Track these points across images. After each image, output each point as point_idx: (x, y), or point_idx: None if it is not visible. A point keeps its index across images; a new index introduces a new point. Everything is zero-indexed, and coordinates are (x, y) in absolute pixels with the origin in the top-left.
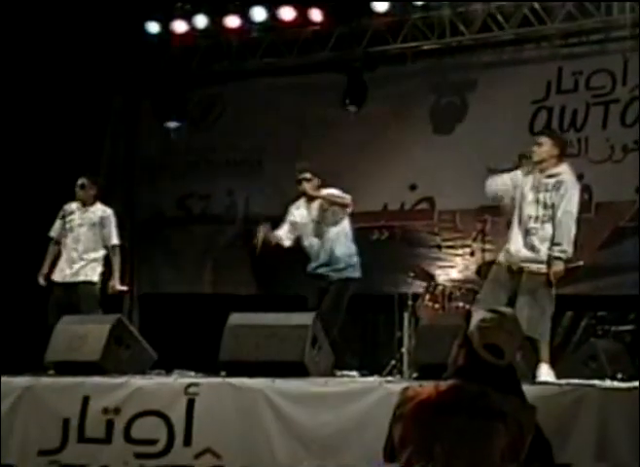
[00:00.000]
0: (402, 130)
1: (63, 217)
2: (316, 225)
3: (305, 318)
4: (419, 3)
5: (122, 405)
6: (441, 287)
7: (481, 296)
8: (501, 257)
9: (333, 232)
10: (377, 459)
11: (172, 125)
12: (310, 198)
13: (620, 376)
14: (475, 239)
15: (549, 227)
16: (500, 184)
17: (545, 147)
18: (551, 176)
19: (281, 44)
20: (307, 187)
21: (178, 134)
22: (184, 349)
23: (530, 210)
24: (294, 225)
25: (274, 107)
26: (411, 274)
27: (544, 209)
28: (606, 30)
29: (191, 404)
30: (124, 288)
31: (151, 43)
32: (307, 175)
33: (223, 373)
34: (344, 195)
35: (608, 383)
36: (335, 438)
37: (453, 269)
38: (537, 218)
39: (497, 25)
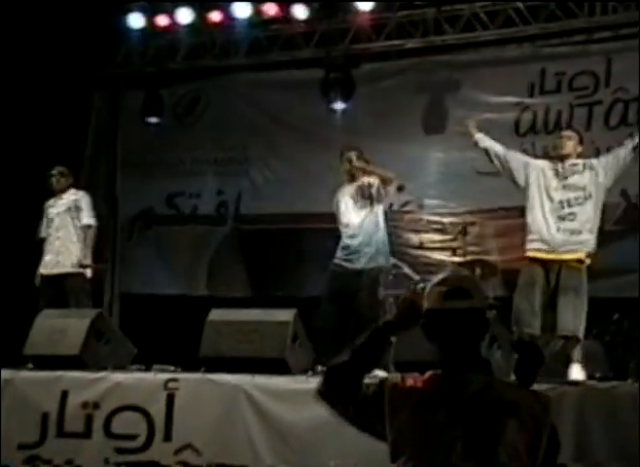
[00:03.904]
0: (387, 129)
1: (45, 215)
2: (356, 202)
3: (286, 314)
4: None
5: (101, 399)
6: (422, 285)
7: (517, 299)
8: (532, 252)
9: (367, 214)
10: (357, 455)
11: (153, 120)
12: (351, 179)
13: (597, 375)
14: (456, 238)
15: (588, 207)
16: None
17: (573, 141)
18: (574, 164)
19: (265, 40)
20: (355, 161)
21: (160, 130)
22: (164, 345)
23: (559, 196)
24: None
25: (258, 103)
26: (393, 272)
27: (576, 192)
28: (589, 31)
29: (170, 399)
30: (88, 262)
31: (133, 37)
32: (353, 153)
33: (203, 368)
34: (387, 171)
35: (586, 383)
36: (315, 434)
37: (435, 267)
38: (569, 202)
39: (481, 25)
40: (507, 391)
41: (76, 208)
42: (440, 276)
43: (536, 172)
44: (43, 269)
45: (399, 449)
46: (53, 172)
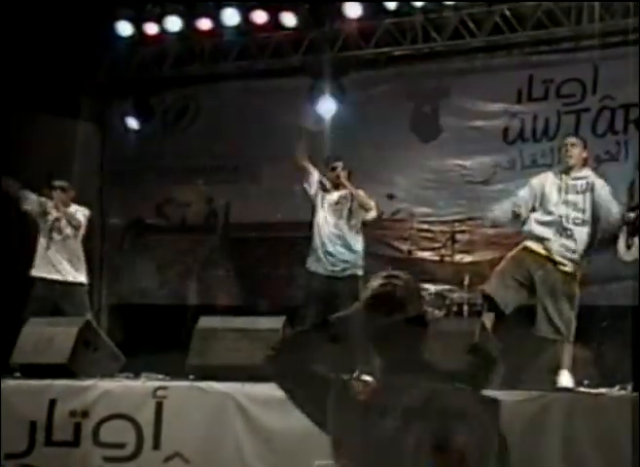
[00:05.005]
0: (377, 137)
1: (42, 205)
2: (335, 211)
3: (275, 322)
4: (392, 5)
5: (89, 408)
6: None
7: (494, 274)
8: (531, 244)
9: (346, 225)
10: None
11: (137, 125)
12: (335, 188)
13: (586, 382)
14: (445, 246)
15: (584, 230)
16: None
17: (578, 148)
18: (578, 178)
19: (253, 47)
20: (341, 174)
21: (149, 137)
22: (152, 353)
23: (560, 211)
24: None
25: (247, 111)
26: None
27: (576, 212)
28: (576, 39)
29: (159, 407)
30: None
31: (122, 44)
32: (340, 164)
33: (191, 376)
34: (370, 200)
35: (575, 390)
36: (304, 441)
37: (423, 274)
38: (568, 219)
39: (468, 32)
40: (453, 398)
41: (78, 223)
42: (368, 287)
43: (538, 191)
44: (42, 273)
45: (344, 451)
46: (54, 186)
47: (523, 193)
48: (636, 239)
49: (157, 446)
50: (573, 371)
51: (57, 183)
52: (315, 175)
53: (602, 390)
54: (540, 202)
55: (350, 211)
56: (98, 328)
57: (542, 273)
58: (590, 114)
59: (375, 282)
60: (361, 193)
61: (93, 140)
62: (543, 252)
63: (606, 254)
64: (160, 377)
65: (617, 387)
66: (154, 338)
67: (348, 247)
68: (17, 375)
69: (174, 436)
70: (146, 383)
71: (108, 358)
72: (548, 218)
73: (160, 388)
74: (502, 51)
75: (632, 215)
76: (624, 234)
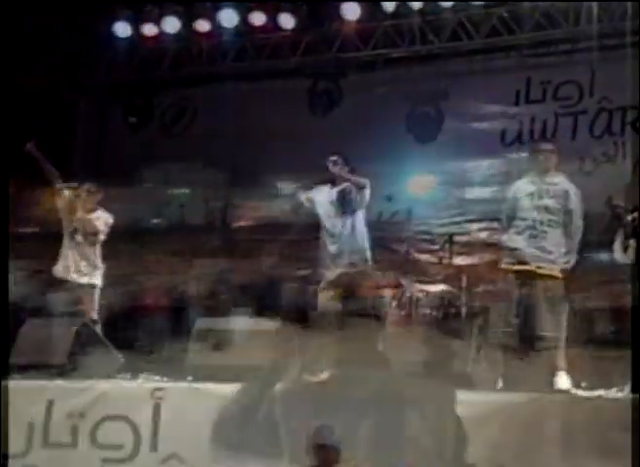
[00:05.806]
0: (375, 138)
1: (71, 204)
2: (336, 208)
3: (272, 323)
4: (390, 7)
5: (87, 409)
6: (408, 294)
7: (496, 314)
8: (506, 262)
9: (346, 220)
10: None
11: (132, 120)
12: (333, 184)
13: (583, 384)
14: (442, 248)
15: (558, 232)
16: None
17: (555, 154)
18: (552, 184)
19: (251, 49)
20: (336, 169)
21: (147, 138)
22: (150, 354)
23: (533, 215)
24: (310, 200)
25: (244, 112)
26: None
27: (550, 214)
28: (573, 41)
29: (157, 408)
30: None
31: (120, 45)
32: (337, 159)
33: (189, 377)
34: (364, 179)
35: (572, 392)
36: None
37: (421, 276)
38: (542, 222)
39: (466, 34)
40: (409, 387)
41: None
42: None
43: (512, 200)
44: (63, 274)
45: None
46: (86, 188)
47: (505, 209)
48: (632, 242)
49: (154, 447)
50: (571, 373)
51: (85, 185)
52: (310, 195)
53: (600, 392)
54: (514, 211)
55: (352, 204)
56: (96, 329)
57: (526, 287)
58: (588, 116)
59: (328, 293)
60: (348, 175)
61: (91, 141)
62: (518, 267)
63: (603, 257)
64: (158, 378)
65: (614, 389)
66: (151, 338)
67: (354, 243)
68: (16, 375)
69: (172, 437)
70: (144, 385)
71: (106, 359)
72: (520, 224)
73: (157, 389)
74: (500, 53)
75: (629, 217)
76: (621, 237)
